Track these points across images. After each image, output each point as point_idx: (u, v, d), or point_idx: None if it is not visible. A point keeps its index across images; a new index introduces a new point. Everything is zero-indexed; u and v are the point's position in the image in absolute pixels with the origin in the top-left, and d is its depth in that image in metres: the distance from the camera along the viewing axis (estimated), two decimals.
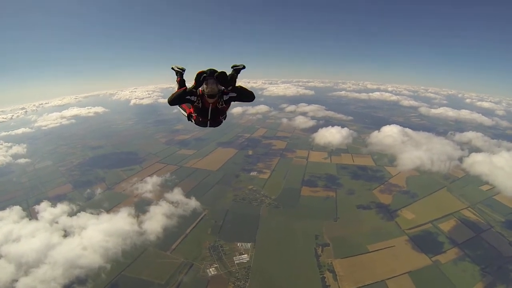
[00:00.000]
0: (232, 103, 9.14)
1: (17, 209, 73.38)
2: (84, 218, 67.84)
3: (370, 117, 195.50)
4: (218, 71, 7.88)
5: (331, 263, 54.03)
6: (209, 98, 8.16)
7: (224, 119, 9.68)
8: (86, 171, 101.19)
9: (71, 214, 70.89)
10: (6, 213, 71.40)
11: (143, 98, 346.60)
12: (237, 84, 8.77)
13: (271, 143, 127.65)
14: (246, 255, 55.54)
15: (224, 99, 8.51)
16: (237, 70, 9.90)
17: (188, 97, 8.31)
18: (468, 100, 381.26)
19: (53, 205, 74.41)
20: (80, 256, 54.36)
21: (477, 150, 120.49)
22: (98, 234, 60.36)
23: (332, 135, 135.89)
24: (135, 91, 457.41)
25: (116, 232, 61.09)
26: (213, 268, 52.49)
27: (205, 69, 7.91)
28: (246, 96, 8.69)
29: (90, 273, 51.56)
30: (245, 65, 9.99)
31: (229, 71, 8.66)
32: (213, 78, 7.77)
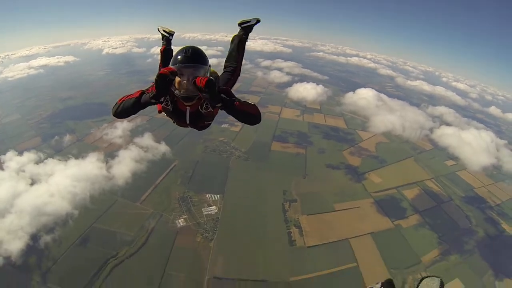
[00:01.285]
0: None
1: None
2: (51, 164, 65.85)
3: (346, 81, 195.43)
4: (205, 69, 4.97)
5: (298, 219, 54.51)
6: (185, 101, 5.15)
7: (212, 120, 6.26)
8: (56, 124, 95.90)
9: (39, 162, 68.50)
10: None
11: (116, 48, 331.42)
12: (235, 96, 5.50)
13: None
14: (214, 206, 55.20)
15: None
16: (248, 28, 7.53)
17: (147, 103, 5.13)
18: (444, 79, 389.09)
19: (20, 154, 71.37)
20: (47, 203, 52.49)
21: (448, 124, 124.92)
22: (65, 180, 58.43)
23: (307, 90, 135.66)
24: (108, 41, 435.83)
25: (84, 177, 59.40)
26: (182, 219, 51.97)
27: (173, 61, 4.92)
28: (246, 118, 5.39)
29: (57, 220, 50.20)
30: (259, 19, 7.51)
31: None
32: (191, 67, 4.76)
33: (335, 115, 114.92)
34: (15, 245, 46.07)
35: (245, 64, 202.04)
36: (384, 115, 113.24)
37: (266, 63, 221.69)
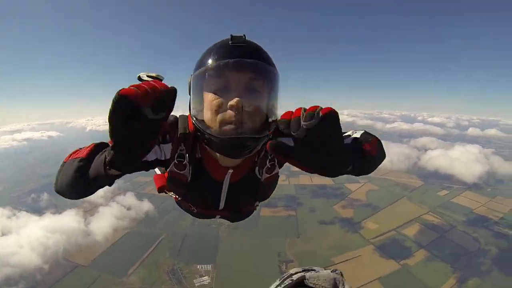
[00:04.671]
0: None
1: None
2: (24, 217, 64.44)
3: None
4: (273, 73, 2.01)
5: None
6: (231, 154, 1.99)
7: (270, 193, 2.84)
8: (39, 202, 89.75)
9: (11, 216, 67.52)
10: None
11: (99, 125, 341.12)
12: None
13: None
14: (206, 276, 52.34)
15: (276, 153, 1.60)
16: None
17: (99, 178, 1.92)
18: (420, 118, 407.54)
19: None
20: (15, 254, 50.39)
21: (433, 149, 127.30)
22: (38, 231, 57.06)
23: None
24: (92, 120, 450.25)
25: (59, 229, 57.94)
26: None
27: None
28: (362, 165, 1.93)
29: (24, 273, 47.93)
30: None
31: None
32: (249, 68, 1.89)
33: None
34: None
35: None
36: None
37: None
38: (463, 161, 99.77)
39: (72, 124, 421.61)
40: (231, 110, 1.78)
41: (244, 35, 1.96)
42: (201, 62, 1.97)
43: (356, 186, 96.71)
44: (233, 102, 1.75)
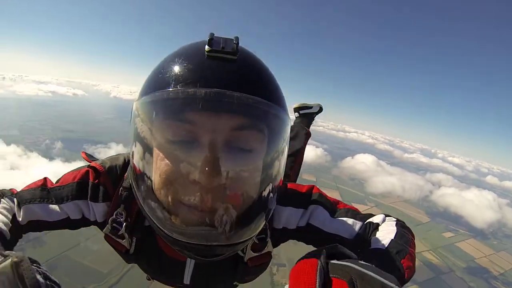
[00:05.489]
0: None
1: None
2: (35, 158, 65.39)
3: (343, 156, 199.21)
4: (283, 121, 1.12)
5: (285, 283, 50.62)
6: (189, 257, 1.43)
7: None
8: (52, 149, 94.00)
9: (22, 155, 68.91)
10: None
11: (124, 94, 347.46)
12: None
13: None
14: None
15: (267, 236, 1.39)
16: (309, 117, 4.29)
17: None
18: (440, 155, 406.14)
19: (7, 144, 71.60)
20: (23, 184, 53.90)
21: (448, 187, 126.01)
22: (46, 173, 58.19)
23: (306, 152, 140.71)
24: (117, 87, 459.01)
25: None
26: None
27: None
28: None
29: None
30: (322, 106, 4.23)
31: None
32: (235, 107, 0.97)
33: (331, 188, 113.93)
34: None
35: None
36: (383, 177, 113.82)
37: None
38: (476, 204, 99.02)
39: (98, 87, 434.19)
40: (198, 190, 0.96)
41: (235, 40, 1.01)
42: (151, 83, 1.07)
43: (362, 208, 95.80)
44: (202, 177, 0.93)
